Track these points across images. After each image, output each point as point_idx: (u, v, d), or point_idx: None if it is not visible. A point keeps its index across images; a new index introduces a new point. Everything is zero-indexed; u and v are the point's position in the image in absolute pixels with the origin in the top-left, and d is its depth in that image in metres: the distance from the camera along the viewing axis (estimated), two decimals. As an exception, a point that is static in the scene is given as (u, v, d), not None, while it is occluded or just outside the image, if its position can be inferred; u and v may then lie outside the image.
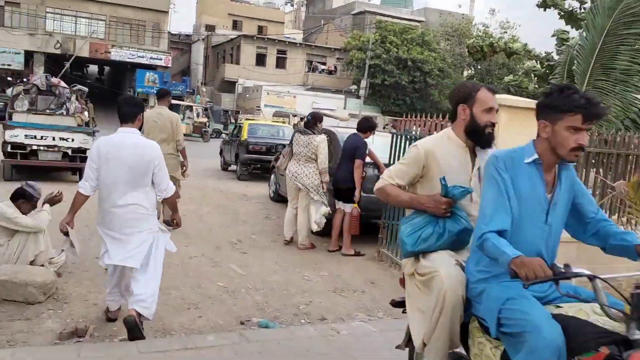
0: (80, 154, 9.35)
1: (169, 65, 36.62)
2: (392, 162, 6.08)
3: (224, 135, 17.03)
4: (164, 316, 4.02)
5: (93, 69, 49.73)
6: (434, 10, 50.89)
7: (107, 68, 48.95)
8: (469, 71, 43.57)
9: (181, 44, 54.71)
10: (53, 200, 4.53)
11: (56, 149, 9.12)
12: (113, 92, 40.00)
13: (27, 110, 9.93)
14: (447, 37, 43.56)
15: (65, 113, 10.31)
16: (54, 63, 33.07)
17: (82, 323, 3.72)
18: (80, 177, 9.45)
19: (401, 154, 5.88)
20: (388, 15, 45.12)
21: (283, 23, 56.83)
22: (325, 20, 51.75)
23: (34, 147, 8.96)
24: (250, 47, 41.46)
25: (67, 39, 32.70)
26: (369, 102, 38.48)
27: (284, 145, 11.70)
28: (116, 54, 33.92)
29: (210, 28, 50.29)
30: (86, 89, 10.98)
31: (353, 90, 39.80)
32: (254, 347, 3.39)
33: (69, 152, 9.22)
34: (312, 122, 6.48)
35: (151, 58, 34.76)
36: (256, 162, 12.32)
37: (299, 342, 3.55)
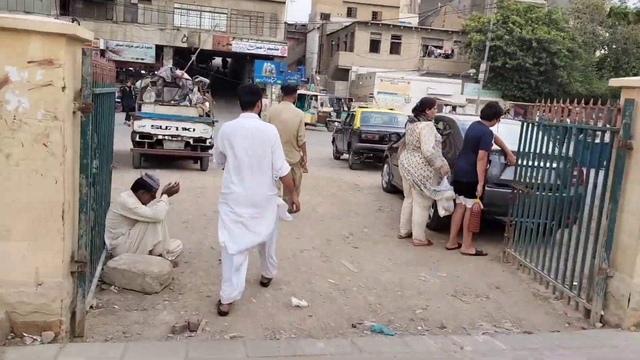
0: (200, 144, 9.74)
1: (285, 55, 37.47)
2: (522, 151, 5.44)
3: (336, 124, 16.86)
4: (274, 313, 3.89)
5: (217, 61, 52.54)
6: (564, -15, 46.61)
7: (228, 60, 51.44)
8: (602, 51, 39.47)
9: (297, 34, 55.86)
10: (171, 191, 4.61)
11: (179, 138, 9.58)
12: (234, 83, 42.07)
13: (154, 102, 10.51)
14: (577, 14, 39.71)
15: (188, 104, 10.78)
16: (181, 56, 35.37)
17: (195, 317, 3.69)
18: (201, 165, 9.87)
19: (532, 144, 5.22)
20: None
21: (398, 7, 55.55)
22: (442, 2, 49.76)
23: (160, 137, 9.47)
24: (365, 33, 41.10)
25: (192, 32, 34.71)
26: (488, 86, 36.36)
27: (398, 134, 11.37)
28: (236, 46, 35.39)
29: (325, 16, 50.69)
30: (207, 81, 11.39)
31: (471, 74, 37.81)
32: (366, 359, 3.11)
33: (191, 141, 9.64)
34: (421, 108, 6.00)
35: (269, 49, 35.80)
36: (369, 151, 12.02)
37: (416, 357, 3.21)
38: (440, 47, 42.93)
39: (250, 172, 3.81)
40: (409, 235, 6.22)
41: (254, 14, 35.85)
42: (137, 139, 9.42)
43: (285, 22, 42.69)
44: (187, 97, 10.87)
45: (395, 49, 41.89)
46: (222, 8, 35.48)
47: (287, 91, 6.90)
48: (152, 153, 9.77)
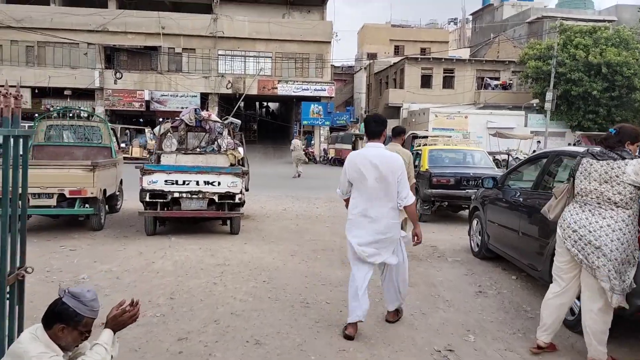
0: (228, 200, 7.58)
1: (333, 95, 35.90)
2: None
3: None
4: None
5: (271, 107, 51.78)
6: (628, 6, 43.36)
7: (269, 105, 50.61)
8: None
9: (344, 76, 55.09)
10: (118, 322, 2.40)
11: (201, 195, 7.45)
12: (281, 127, 40.81)
13: (176, 150, 8.61)
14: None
15: (217, 150, 8.82)
16: (226, 102, 34.42)
17: None
18: (232, 228, 7.74)
19: None
20: (571, 19, 39.24)
21: (447, 42, 53.81)
22: (495, 32, 47.38)
23: (176, 195, 7.40)
24: (415, 69, 39.16)
25: (237, 78, 33.82)
26: (554, 116, 33.23)
27: (477, 177, 8.95)
28: (282, 89, 34.14)
29: (372, 56, 49.49)
30: (239, 122, 9.49)
31: (534, 105, 34.83)
32: None
33: (216, 198, 7.49)
34: (618, 138, 3.60)
35: (315, 90, 34.34)
36: (442, 199, 9.60)
37: None
38: (497, 79, 40.32)
39: (377, 199, 3.94)
40: (552, 347, 3.77)
41: (299, 56, 34.65)
42: (148, 198, 7.37)
43: (332, 65, 41.59)
44: (216, 142, 8.92)
45: (448, 83, 39.65)
46: (267, 52, 34.51)
47: (395, 133, 6.62)
48: (167, 217, 7.70)
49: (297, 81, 34.24)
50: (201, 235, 7.84)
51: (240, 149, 9.27)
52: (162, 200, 7.42)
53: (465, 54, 47.84)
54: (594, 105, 32.41)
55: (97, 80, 32.09)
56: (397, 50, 50.81)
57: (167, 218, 7.81)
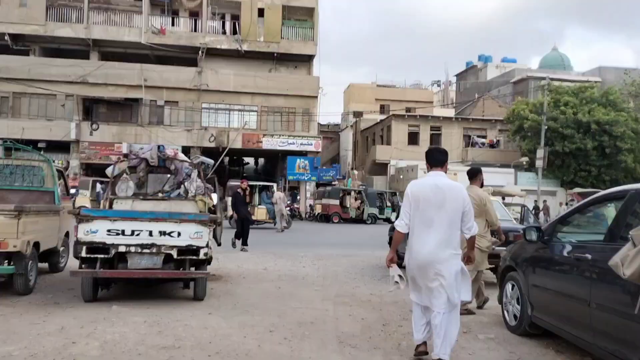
0: (190, 256, 5.92)
1: (320, 149, 34.81)
2: None
3: (394, 219, 12.89)
4: None
5: (250, 162, 50.52)
6: (611, 68, 43.96)
7: (261, 159, 49.43)
8: None
9: (330, 133, 54.67)
10: None
11: (154, 249, 5.78)
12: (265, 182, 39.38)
13: (132, 195, 7.05)
14: (636, 94, 36.32)
15: (184, 195, 7.29)
16: (209, 156, 33.05)
17: None
18: (195, 292, 6.06)
19: None
20: (557, 79, 39.36)
21: (432, 102, 54.03)
22: (479, 92, 47.56)
23: (122, 249, 5.73)
24: (402, 126, 38.62)
25: (221, 131, 32.68)
26: (545, 174, 32.39)
27: (517, 232, 7.35)
28: (267, 143, 32.98)
29: (358, 114, 49.22)
30: (211, 161, 8.04)
31: (524, 163, 34.07)
32: None
33: (174, 253, 5.84)
34: None
35: (301, 144, 33.25)
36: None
37: None
38: (484, 137, 39.88)
39: (441, 227, 3.92)
40: None
41: (285, 110, 33.78)
42: (84, 253, 5.69)
43: (318, 122, 40.97)
44: (183, 186, 7.39)
45: (435, 140, 39.00)
46: (252, 105, 33.60)
47: (472, 175, 6.43)
48: (108, 277, 5.94)
49: (282, 135, 33.16)
50: (154, 301, 6.11)
51: (214, 195, 7.74)
52: (103, 256, 5.73)
53: (450, 114, 47.73)
54: (584, 164, 31.76)
55: (73, 132, 30.63)
56: (383, 109, 50.63)
57: (111, 279, 6.10)
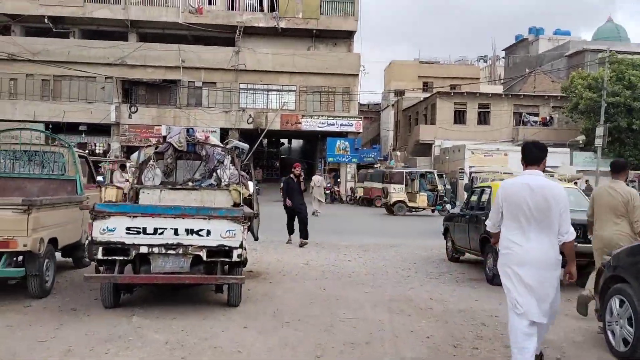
0: (223, 258, 5.07)
1: (360, 130, 33.59)
2: None
3: (448, 207, 11.69)
4: None
5: (286, 143, 49.91)
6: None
7: (299, 141, 48.66)
8: None
9: (370, 113, 53.30)
10: None
11: (180, 250, 4.96)
12: (306, 164, 38.59)
13: (160, 185, 6.24)
14: None
15: (216, 185, 6.43)
16: (247, 138, 32.47)
17: None
18: (229, 297, 5.21)
19: None
20: (616, 51, 36.65)
21: (479, 79, 51.57)
22: (530, 67, 44.97)
23: (143, 250, 4.94)
24: (447, 104, 36.76)
25: (259, 113, 31.96)
26: (605, 153, 30.22)
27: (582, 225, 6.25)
28: (306, 124, 32.03)
29: (400, 93, 47.48)
30: (246, 146, 7.11)
31: (580, 142, 31.91)
32: None
33: (203, 255, 5.00)
34: None
35: (342, 125, 32.14)
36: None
37: None
38: (536, 115, 37.61)
39: (536, 231, 3.64)
40: None
41: (325, 89, 32.66)
42: (101, 255, 4.92)
43: (359, 103, 39.75)
44: (215, 174, 6.53)
45: (483, 118, 37.12)
46: (290, 85, 32.65)
47: (617, 168, 5.58)
48: (128, 283, 5.16)
49: (322, 116, 32.11)
50: (182, 308, 5.30)
51: (250, 184, 6.85)
52: (122, 258, 4.94)
53: (498, 91, 45.45)
54: (649, 140, 29.45)
55: (112, 114, 30.51)
56: (426, 87, 48.68)
57: (132, 285, 5.31)
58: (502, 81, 50.58)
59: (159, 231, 4.90)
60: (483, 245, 7.75)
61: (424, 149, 37.23)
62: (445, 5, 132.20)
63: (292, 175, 11.21)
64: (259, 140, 31.15)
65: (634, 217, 5.19)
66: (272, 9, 32.34)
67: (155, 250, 4.93)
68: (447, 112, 36.63)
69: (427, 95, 40.49)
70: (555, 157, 31.29)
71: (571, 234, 3.71)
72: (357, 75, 32.93)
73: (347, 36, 33.90)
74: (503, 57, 56.32)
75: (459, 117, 36.80)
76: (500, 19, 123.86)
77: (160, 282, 5.09)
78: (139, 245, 4.90)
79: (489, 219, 4.00)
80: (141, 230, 4.88)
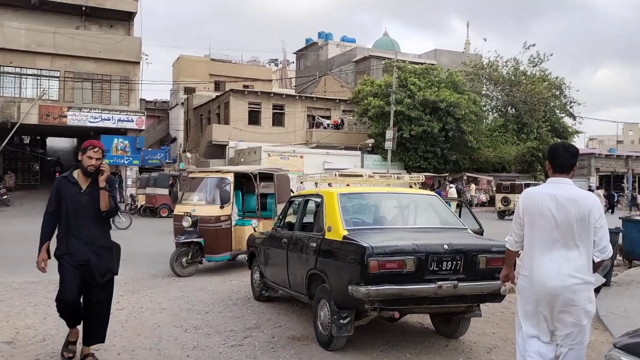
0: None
1: (143, 127, 29.01)
2: None
3: (253, 223, 8.52)
4: None
5: (58, 142, 41.73)
6: (444, 51, 45.34)
7: (71, 139, 41.21)
8: (511, 111, 37.21)
9: (158, 112, 48.54)
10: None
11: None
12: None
13: None
14: (472, 77, 37.40)
15: None
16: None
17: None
18: None
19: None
20: (399, 60, 38.89)
21: (271, 81, 50.79)
22: (321, 72, 45.57)
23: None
24: (241, 103, 34.40)
25: (8, 102, 25.20)
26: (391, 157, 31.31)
27: (456, 252, 3.94)
28: (74, 118, 26.32)
29: (190, 90, 43.84)
30: None
31: (370, 145, 32.63)
32: None
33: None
34: None
35: (120, 120, 27.24)
36: (390, 304, 4.30)
37: None
38: (328, 117, 37.76)
39: (563, 249, 3.05)
40: None
41: (98, 77, 27.33)
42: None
43: (143, 99, 34.98)
44: None
45: (278, 120, 35.81)
46: (52, 69, 26.56)
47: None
48: None
49: (95, 109, 26.76)
50: None
51: None
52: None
53: (292, 92, 45.12)
54: (431, 146, 31.31)
55: None
56: (218, 87, 45.91)
57: None
58: (294, 85, 50.63)
59: None
60: (311, 284, 4.98)
61: (218, 150, 34.19)
62: (233, 14, 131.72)
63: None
64: (9, 137, 24.37)
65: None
66: (23, -28, 25.92)
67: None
68: (241, 111, 34.25)
69: (220, 93, 37.69)
70: (348, 159, 31.44)
71: (609, 251, 3.07)
72: (138, 63, 28.37)
73: (126, 18, 29.11)
74: (293, 62, 56.85)
75: (254, 117, 34.80)
76: (289, 25, 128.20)
77: None
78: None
79: (508, 234, 3.24)
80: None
